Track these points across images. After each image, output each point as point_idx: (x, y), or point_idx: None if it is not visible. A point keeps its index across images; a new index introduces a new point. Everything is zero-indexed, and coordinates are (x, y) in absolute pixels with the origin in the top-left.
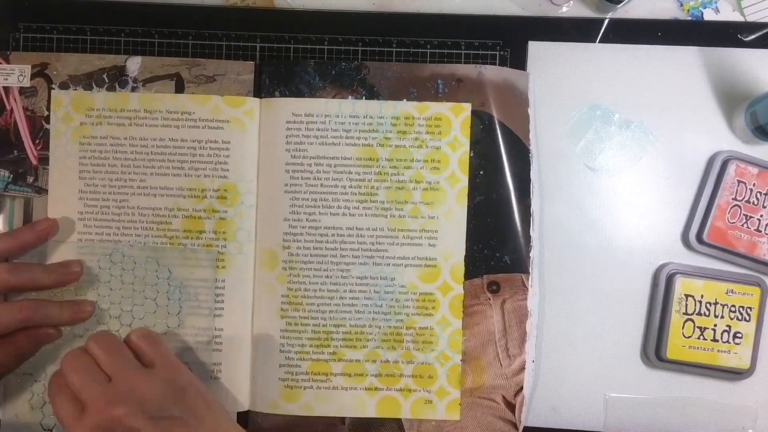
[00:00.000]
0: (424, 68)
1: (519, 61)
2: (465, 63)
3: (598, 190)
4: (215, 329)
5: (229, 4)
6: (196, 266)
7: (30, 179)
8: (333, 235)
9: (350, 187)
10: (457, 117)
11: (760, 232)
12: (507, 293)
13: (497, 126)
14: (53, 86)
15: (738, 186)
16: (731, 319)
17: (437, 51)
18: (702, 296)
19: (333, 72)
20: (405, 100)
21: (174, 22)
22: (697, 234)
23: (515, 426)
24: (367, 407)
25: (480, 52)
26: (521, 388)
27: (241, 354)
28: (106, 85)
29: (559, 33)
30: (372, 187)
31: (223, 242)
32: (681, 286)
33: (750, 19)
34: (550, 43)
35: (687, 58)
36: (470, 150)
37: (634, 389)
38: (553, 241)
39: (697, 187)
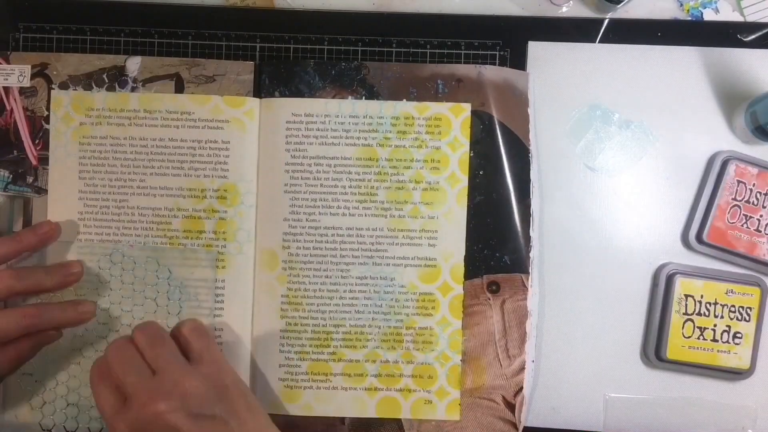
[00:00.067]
0: (424, 68)
1: (519, 61)
2: (465, 63)
3: (598, 190)
4: (215, 329)
5: (229, 4)
6: (196, 266)
7: (30, 179)
8: (333, 235)
9: (350, 187)
10: (457, 117)
11: (760, 232)
12: (507, 293)
13: (497, 126)
14: (53, 86)
15: (738, 186)
16: (731, 319)
17: (437, 51)
18: (702, 296)
19: (333, 72)
20: (405, 100)
21: (174, 22)
22: (697, 234)
23: (515, 426)
24: (367, 407)
25: (480, 52)
26: (521, 389)
27: (240, 354)
28: (105, 85)
29: (559, 33)
30: (372, 187)
31: (223, 242)
32: (681, 286)
33: (750, 19)
34: (549, 43)
35: (687, 58)
36: (470, 150)
37: (634, 389)
38: (553, 241)
39: (697, 187)
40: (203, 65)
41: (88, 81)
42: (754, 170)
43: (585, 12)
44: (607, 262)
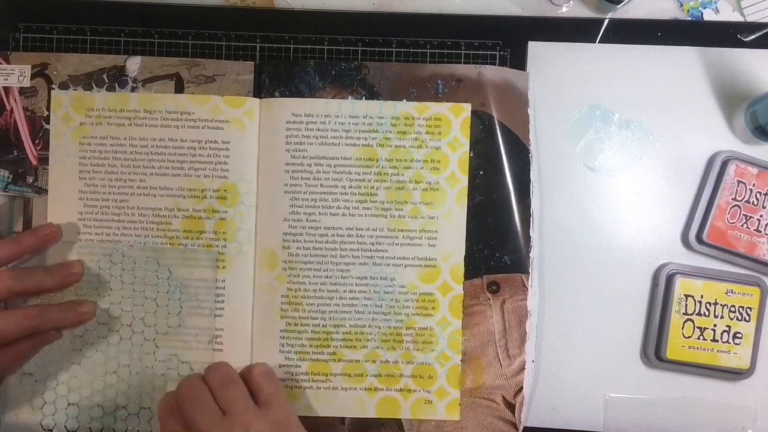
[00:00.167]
0: (424, 68)
1: (519, 61)
2: (465, 63)
3: (598, 190)
4: (215, 329)
5: (229, 4)
6: (196, 266)
7: (30, 179)
8: (333, 235)
9: (350, 187)
10: (456, 117)
11: (760, 232)
12: (507, 293)
13: (497, 126)
14: (53, 86)
15: (738, 186)
16: (731, 319)
17: (437, 51)
18: (702, 296)
19: (333, 72)
20: (405, 100)
21: (174, 22)
22: (697, 234)
23: (515, 426)
24: (367, 407)
25: (480, 52)
26: (521, 389)
27: (241, 354)
28: (105, 85)
29: (559, 33)
30: (372, 188)
31: (223, 242)
32: (681, 286)
33: (750, 19)
34: (549, 43)
35: (687, 58)
36: (470, 150)
37: (634, 389)
38: (553, 241)
39: (697, 187)
40: (203, 65)
41: (88, 81)
42: (754, 170)
43: (585, 12)
44: (607, 262)
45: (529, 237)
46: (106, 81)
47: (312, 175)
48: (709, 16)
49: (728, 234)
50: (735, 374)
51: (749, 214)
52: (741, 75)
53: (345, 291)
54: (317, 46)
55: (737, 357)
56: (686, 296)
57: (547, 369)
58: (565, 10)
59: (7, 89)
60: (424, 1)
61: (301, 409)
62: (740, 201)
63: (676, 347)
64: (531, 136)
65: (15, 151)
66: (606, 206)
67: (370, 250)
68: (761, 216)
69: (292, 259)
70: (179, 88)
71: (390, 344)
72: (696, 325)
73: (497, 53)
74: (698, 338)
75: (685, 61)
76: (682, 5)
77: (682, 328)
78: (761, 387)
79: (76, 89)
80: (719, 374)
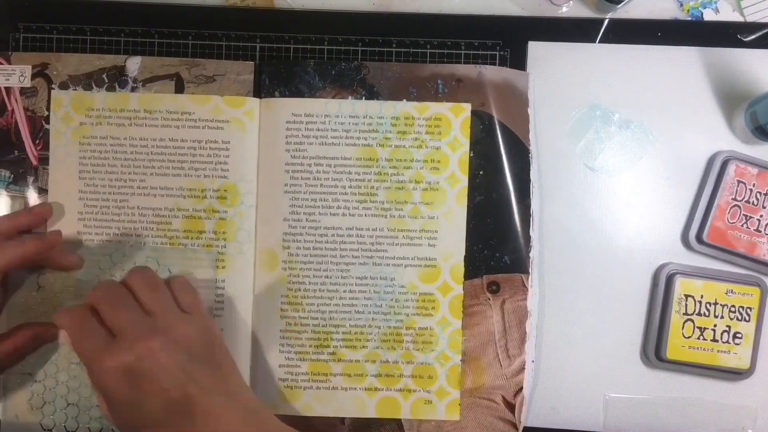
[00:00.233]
0: (424, 68)
1: (519, 61)
2: (465, 63)
3: (598, 190)
4: None
5: (229, 4)
6: (196, 266)
7: (30, 179)
8: (333, 235)
9: (350, 187)
10: (456, 117)
11: (760, 232)
12: (507, 293)
13: (497, 126)
14: (53, 86)
15: (738, 186)
16: (731, 319)
17: (437, 51)
18: (702, 296)
19: (333, 72)
20: (405, 100)
21: (174, 22)
22: (697, 234)
23: (515, 426)
24: (366, 407)
25: (480, 52)
26: (521, 389)
27: (241, 354)
28: (105, 85)
29: (559, 33)
30: (372, 188)
31: (223, 242)
32: (681, 286)
33: (750, 19)
34: (549, 43)
35: (687, 58)
36: (470, 150)
37: (634, 389)
38: (553, 241)
39: (697, 187)
40: (203, 65)
41: (88, 81)
42: (754, 170)
43: (585, 12)
44: (607, 262)
45: (529, 237)
46: (106, 81)
47: (312, 175)
48: (709, 16)
49: (728, 234)
50: (735, 374)
51: (749, 214)
52: (741, 75)
53: (345, 291)
54: (317, 46)
55: (737, 357)
56: (686, 296)
57: (547, 369)
58: (565, 10)
59: (8, 89)
60: (424, 1)
61: (301, 409)
62: (740, 201)
63: (676, 347)
64: (531, 136)
65: (16, 151)
66: (606, 206)
67: (370, 250)
68: (761, 216)
69: (292, 259)
70: (179, 88)
71: (390, 344)
72: (696, 325)
73: (497, 53)
74: (698, 338)
75: (685, 61)
76: (682, 5)
77: (682, 328)
78: (761, 387)
79: (76, 89)
80: (719, 374)
